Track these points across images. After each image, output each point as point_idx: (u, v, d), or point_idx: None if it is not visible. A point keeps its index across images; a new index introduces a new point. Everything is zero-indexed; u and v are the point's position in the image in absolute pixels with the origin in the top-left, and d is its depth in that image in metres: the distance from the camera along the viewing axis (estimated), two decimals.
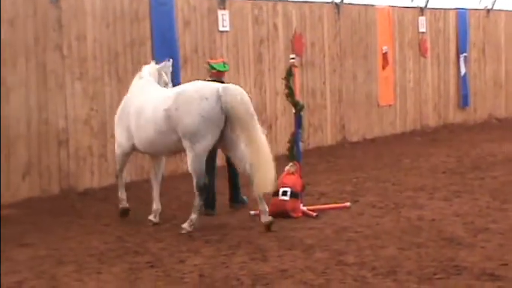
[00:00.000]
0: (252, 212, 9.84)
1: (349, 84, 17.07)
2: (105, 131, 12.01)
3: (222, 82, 10.03)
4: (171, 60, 10.73)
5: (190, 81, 13.30)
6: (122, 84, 12.26)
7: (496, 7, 21.84)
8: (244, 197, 10.57)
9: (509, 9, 22.52)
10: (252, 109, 9.03)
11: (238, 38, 14.50)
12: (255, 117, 9.03)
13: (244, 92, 9.13)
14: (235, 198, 10.60)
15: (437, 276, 6.68)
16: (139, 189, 11.88)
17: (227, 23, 14.19)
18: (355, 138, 17.12)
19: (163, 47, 12.84)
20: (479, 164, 13.49)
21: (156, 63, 10.40)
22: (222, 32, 14.14)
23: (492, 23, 21.89)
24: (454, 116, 20.46)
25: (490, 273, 6.70)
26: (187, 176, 12.16)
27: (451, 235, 8.19)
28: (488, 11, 21.70)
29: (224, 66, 10.64)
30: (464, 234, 8.21)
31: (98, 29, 11.97)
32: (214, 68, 10.51)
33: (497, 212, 9.33)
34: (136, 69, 12.41)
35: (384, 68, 17.91)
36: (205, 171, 9.19)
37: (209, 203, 10.00)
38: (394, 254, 7.50)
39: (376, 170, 13.30)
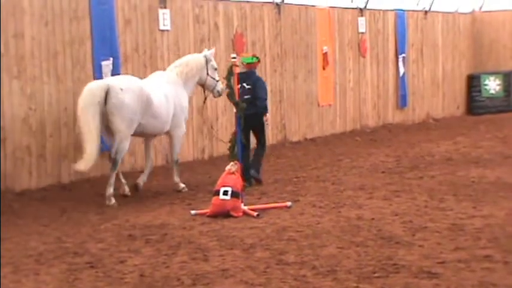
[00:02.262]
0: (193, 212, 9.83)
1: (290, 84, 17.16)
2: (44, 131, 11.84)
3: (254, 73, 12.17)
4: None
5: None
6: (61, 83, 12.12)
7: (433, 9, 22.21)
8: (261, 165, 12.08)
9: (446, 10, 22.93)
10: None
11: (179, 37, 14.44)
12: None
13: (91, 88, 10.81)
14: (256, 172, 11.99)
15: (376, 275, 6.75)
16: (78, 190, 11.76)
17: (168, 22, 14.12)
18: (295, 138, 17.21)
19: (104, 45, 12.73)
20: (417, 163, 13.69)
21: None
22: (162, 30, 14.07)
23: (430, 24, 22.24)
24: (393, 116, 20.73)
25: (427, 271, 6.79)
26: (129, 174, 12.11)
27: (390, 234, 8.28)
28: (426, 12, 22.05)
29: (252, 59, 12.30)
30: (402, 233, 8.31)
31: (36, 27, 11.79)
32: (245, 62, 12.25)
33: (435, 210, 9.47)
34: (75, 68, 12.32)
35: (324, 68, 18.05)
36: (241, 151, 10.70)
37: (246, 179, 11.16)
38: (334, 253, 7.56)
39: (317, 169, 13.39)
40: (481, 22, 24.24)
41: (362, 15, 19.54)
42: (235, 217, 9.51)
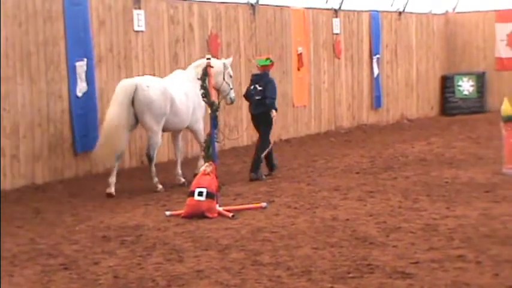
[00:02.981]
0: (168, 213, 9.81)
1: None
2: (17, 132, 11.77)
3: (267, 75, 12.80)
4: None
5: (106, 81, 13.27)
6: (35, 84, 12.06)
7: (407, 10, 22.34)
8: (262, 174, 12.49)
9: (420, 12, 23.07)
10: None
11: (153, 38, 14.41)
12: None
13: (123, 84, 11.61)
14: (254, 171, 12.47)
15: (350, 275, 6.78)
16: (52, 191, 11.71)
17: (142, 22, 14.09)
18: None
19: (77, 46, 12.69)
20: (391, 164, 13.75)
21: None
22: (137, 31, 14.04)
23: (404, 25, 22.38)
24: (368, 117, 20.83)
25: (401, 271, 6.83)
26: (102, 176, 12.08)
27: (364, 235, 8.32)
28: (400, 13, 22.18)
29: (266, 62, 12.92)
30: (377, 234, 8.35)
31: (9, 27, 11.72)
32: (260, 64, 12.96)
33: (409, 211, 9.52)
34: (49, 68, 12.26)
35: (299, 69, 18.10)
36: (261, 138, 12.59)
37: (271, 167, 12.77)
38: (309, 254, 7.57)
39: (291, 170, 13.42)
40: (455, 23, 24.43)
41: (337, 16, 19.62)
42: (210, 218, 9.49)
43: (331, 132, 18.77)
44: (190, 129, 12.54)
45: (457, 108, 23.59)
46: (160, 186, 11.68)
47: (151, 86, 11.61)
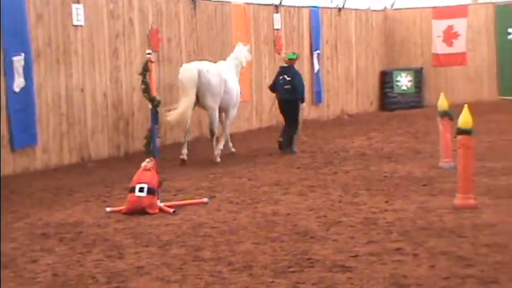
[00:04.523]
0: (108, 209, 9.74)
1: None
2: None
3: (293, 67, 15.02)
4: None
5: (44, 76, 13.11)
6: None
7: (346, 6, 22.54)
8: (296, 149, 14.74)
9: (359, 8, 23.31)
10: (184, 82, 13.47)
11: (93, 33, 14.27)
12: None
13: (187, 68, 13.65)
14: (290, 148, 14.70)
15: (291, 270, 6.82)
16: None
17: (82, 17, 13.92)
18: None
19: (15, 40, 12.48)
20: (332, 159, 13.87)
21: None
22: (76, 26, 13.87)
23: (343, 21, 22.59)
24: (308, 112, 20.92)
25: (341, 264, 6.91)
26: (40, 173, 11.93)
27: (305, 229, 8.38)
28: (339, 9, 22.38)
29: (294, 55, 15.29)
30: (317, 228, 8.42)
31: None
32: (289, 57, 15.17)
33: (349, 205, 9.62)
34: None
35: None
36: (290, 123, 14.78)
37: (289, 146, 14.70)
38: (250, 249, 7.60)
39: (233, 165, 13.43)
40: (393, 20, 24.77)
41: (277, 12, 19.69)
42: (151, 214, 9.45)
43: (273, 128, 18.81)
44: (226, 111, 14.34)
45: (396, 104, 23.92)
46: (219, 159, 13.69)
47: (210, 71, 13.55)
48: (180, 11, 16.53)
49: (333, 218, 8.88)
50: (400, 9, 24.75)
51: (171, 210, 9.58)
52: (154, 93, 10.55)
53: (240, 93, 14.61)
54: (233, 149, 14.74)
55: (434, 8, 24.10)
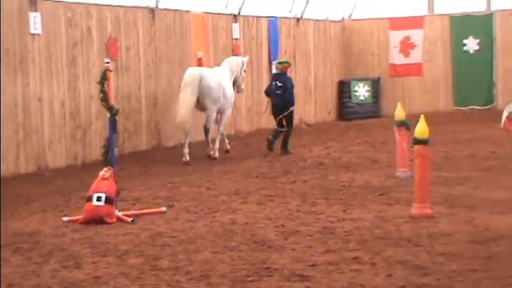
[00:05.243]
0: (65, 218, 9.67)
1: (165, 89, 17.11)
2: None
3: (286, 74, 16.39)
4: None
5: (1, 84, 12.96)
6: None
7: (305, 16, 22.66)
8: (291, 149, 15.96)
9: (318, 18, 23.45)
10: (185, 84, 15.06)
11: (50, 41, 14.16)
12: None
13: (191, 72, 15.22)
14: (285, 148, 15.93)
15: (249, 279, 6.84)
16: None
17: (39, 25, 13.81)
18: (170, 143, 17.15)
19: None
20: (290, 168, 13.92)
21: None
22: (33, 34, 13.76)
23: (302, 32, 22.69)
24: (267, 122, 20.94)
25: (299, 274, 6.93)
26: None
27: (263, 238, 8.39)
28: (298, 19, 22.48)
29: (285, 63, 16.75)
30: (275, 237, 8.43)
31: None
32: (280, 65, 16.66)
33: (307, 215, 9.65)
34: None
35: None
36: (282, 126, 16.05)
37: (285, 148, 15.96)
38: (208, 258, 7.60)
39: (191, 174, 13.40)
40: (351, 30, 24.94)
41: (236, 21, 19.72)
42: (109, 223, 9.40)
43: (231, 137, 18.80)
44: (221, 112, 15.74)
45: (353, 113, 24.06)
46: (217, 155, 15.26)
47: (211, 76, 15.15)
48: (139, 20, 16.48)
49: (291, 227, 8.90)
50: (358, 20, 24.92)
51: (129, 219, 9.53)
52: (112, 102, 10.46)
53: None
54: (228, 146, 16.06)
55: (391, 19, 24.32)
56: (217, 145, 15.55)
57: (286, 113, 16.06)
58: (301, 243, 8.11)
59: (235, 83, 16.41)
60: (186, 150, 14.85)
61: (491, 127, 19.21)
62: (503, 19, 23.06)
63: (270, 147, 16.03)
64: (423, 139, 9.35)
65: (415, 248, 7.82)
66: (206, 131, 15.38)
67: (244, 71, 16.72)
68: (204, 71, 15.35)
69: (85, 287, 6.77)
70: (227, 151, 16.01)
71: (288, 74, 16.64)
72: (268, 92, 16.51)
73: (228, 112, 16.17)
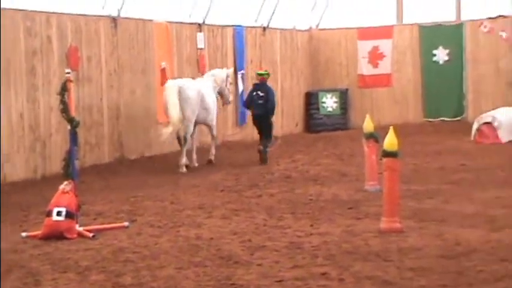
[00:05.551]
0: (24, 234, 9.47)
1: (128, 100, 16.85)
2: None
3: (266, 84, 16.66)
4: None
5: None
6: None
7: (271, 25, 22.53)
8: (268, 149, 16.30)
9: (284, 27, 23.33)
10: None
11: (9, 50, 13.82)
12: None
13: (170, 85, 15.53)
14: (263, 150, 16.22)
15: None
16: None
17: None
18: (133, 156, 16.90)
19: None
20: (256, 181, 13.73)
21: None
22: None
23: (268, 41, 22.56)
24: (233, 134, 20.77)
25: None
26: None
27: (229, 253, 8.24)
28: (264, 28, 22.36)
29: (264, 73, 16.94)
30: (241, 252, 8.28)
31: None
32: (260, 75, 16.88)
33: (274, 229, 9.50)
34: None
35: (162, 84, 17.74)
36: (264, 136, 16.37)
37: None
38: (172, 274, 7.45)
39: (155, 188, 13.19)
40: (318, 40, 24.84)
41: (201, 31, 19.53)
42: (70, 239, 9.22)
43: (196, 149, 18.58)
44: (208, 124, 16.33)
45: (321, 125, 23.90)
46: (185, 170, 15.19)
47: (190, 87, 15.45)
48: (101, 29, 16.20)
49: (258, 242, 8.75)
50: (325, 29, 24.84)
51: (91, 234, 9.36)
52: (73, 113, 10.20)
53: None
54: (196, 164, 16.01)
55: (359, 28, 24.25)
56: (213, 151, 16.32)
57: (272, 125, 16.52)
58: (268, 259, 7.96)
59: (221, 96, 16.91)
60: (183, 161, 15.25)
61: (461, 139, 19.23)
62: (474, 29, 23.07)
63: (263, 158, 16.19)
64: (392, 151, 9.23)
65: (384, 263, 7.70)
66: (184, 140, 15.49)
67: (230, 83, 17.19)
68: (182, 82, 15.67)
69: None
70: (210, 161, 16.20)
71: (268, 83, 16.86)
72: (249, 103, 16.61)
73: (213, 123, 16.49)
